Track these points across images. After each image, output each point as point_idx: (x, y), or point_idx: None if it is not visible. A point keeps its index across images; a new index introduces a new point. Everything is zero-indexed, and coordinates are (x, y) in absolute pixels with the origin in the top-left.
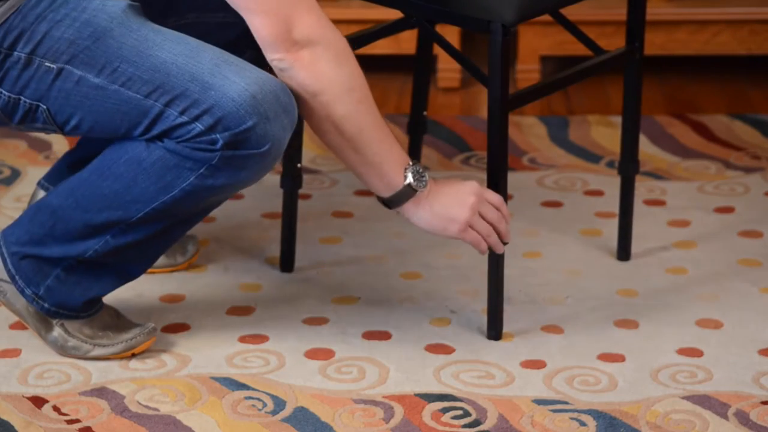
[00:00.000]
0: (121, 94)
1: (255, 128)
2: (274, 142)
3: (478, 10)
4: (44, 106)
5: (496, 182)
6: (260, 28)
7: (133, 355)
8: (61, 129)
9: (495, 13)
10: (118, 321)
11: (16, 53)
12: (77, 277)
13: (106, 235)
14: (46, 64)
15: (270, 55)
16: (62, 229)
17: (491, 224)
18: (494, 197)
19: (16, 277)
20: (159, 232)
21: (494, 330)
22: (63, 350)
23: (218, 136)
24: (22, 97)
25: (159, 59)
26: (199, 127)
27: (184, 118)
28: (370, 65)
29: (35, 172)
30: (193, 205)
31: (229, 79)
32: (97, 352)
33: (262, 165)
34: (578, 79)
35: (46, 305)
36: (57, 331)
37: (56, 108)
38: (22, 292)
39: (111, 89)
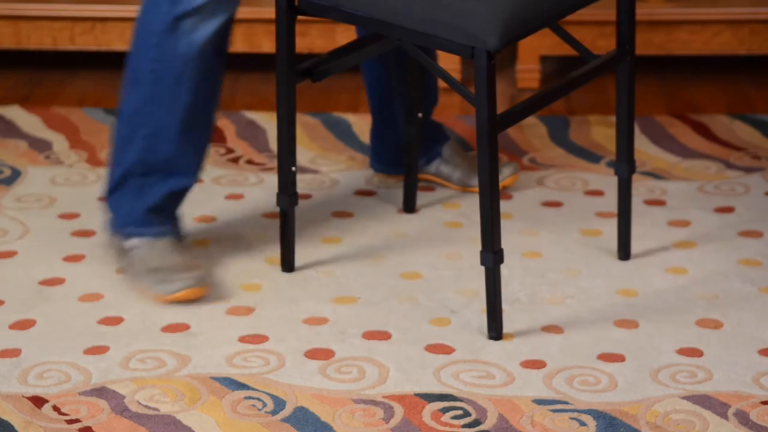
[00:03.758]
0: None
1: None
2: None
3: (462, 36)
4: None
5: (490, 201)
6: None
7: (179, 302)
8: None
9: (478, 40)
10: (177, 258)
11: None
12: (137, 185)
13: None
14: None
15: None
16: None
17: None
18: None
19: (110, 222)
20: (186, 104)
21: (494, 331)
22: (130, 279)
23: None
24: None
25: None
26: None
27: None
28: None
29: (35, 172)
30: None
31: None
32: (154, 289)
33: None
34: (569, 90)
35: (119, 222)
36: (129, 260)
37: None
38: (110, 230)
39: None
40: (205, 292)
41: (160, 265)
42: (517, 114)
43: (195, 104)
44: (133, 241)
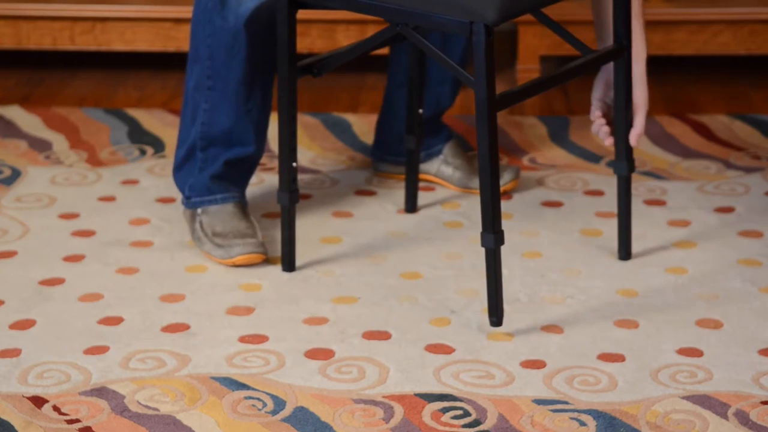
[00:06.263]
0: None
1: None
2: None
3: (460, 12)
4: None
5: (490, 182)
6: None
7: (236, 266)
8: None
9: (477, 14)
10: (240, 224)
11: None
12: (200, 159)
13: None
14: None
15: None
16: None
17: None
18: None
19: (183, 199)
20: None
21: (495, 316)
22: (197, 243)
23: None
24: None
25: None
26: None
27: None
28: (372, 65)
29: (35, 172)
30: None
31: None
32: (215, 252)
33: None
34: (567, 78)
35: (185, 195)
36: (196, 225)
37: None
38: (182, 205)
39: None
40: (262, 258)
41: (222, 231)
42: (515, 95)
43: (247, 76)
44: (200, 210)
